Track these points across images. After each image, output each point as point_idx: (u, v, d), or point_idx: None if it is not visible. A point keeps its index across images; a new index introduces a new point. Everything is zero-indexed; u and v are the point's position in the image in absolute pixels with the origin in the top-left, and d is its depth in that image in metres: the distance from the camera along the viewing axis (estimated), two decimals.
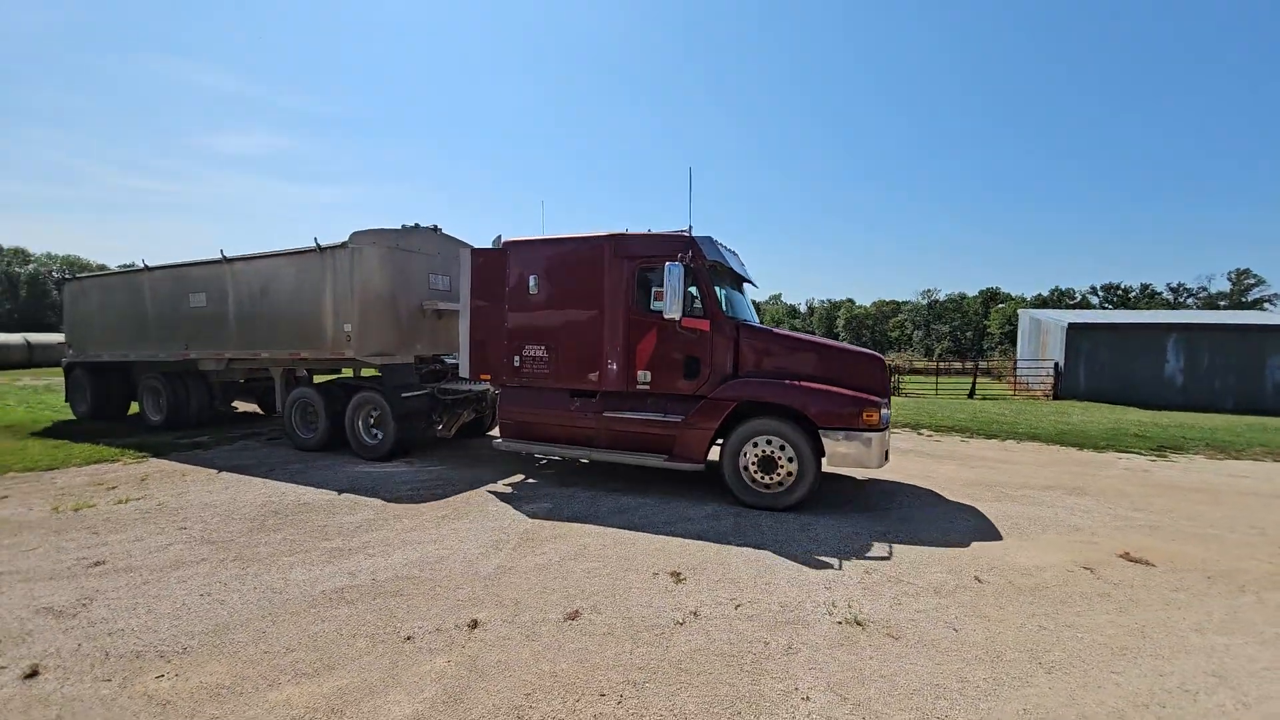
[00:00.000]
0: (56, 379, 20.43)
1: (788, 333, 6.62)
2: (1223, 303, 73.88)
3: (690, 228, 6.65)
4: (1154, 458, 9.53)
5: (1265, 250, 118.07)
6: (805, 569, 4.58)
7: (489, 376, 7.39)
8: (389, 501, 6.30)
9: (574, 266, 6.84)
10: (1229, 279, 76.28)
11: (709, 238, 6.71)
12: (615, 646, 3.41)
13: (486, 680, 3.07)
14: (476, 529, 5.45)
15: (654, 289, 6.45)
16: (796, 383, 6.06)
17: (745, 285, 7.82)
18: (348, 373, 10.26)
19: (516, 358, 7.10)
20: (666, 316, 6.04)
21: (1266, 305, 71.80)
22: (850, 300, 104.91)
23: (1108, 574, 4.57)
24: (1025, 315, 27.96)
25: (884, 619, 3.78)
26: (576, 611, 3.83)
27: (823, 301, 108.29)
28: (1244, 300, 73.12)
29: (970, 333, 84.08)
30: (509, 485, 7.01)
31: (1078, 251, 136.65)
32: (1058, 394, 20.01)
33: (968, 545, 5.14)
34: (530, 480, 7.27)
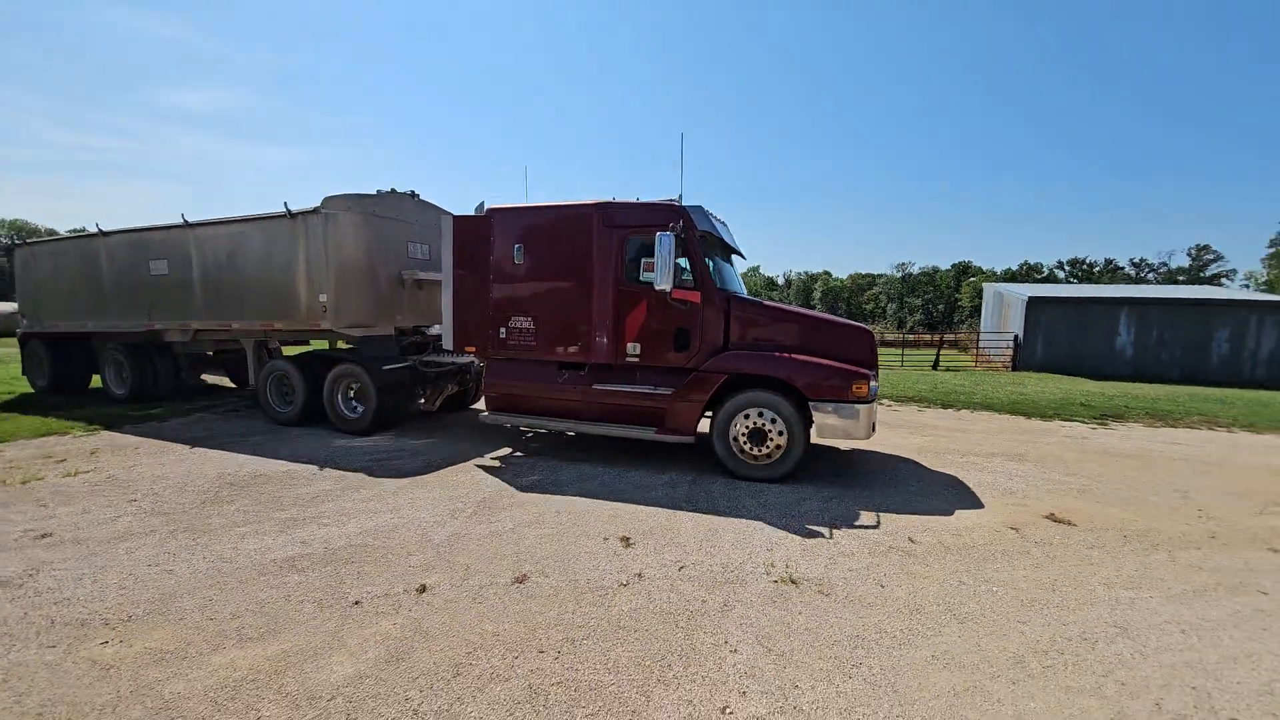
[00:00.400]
0: (6, 350, 19.65)
1: (778, 305, 6.62)
2: (1182, 278, 76.47)
3: (680, 197, 6.53)
4: (1095, 426, 10.01)
5: (1224, 227, 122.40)
6: (751, 533, 4.77)
7: (474, 349, 7.28)
8: (351, 472, 6.32)
9: (561, 235, 6.71)
10: (1189, 255, 78.89)
11: (700, 207, 6.62)
12: (558, 607, 3.55)
13: (430, 640, 3.18)
14: (434, 498, 5.52)
15: (644, 260, 6.37)
16: (786, 355, 6.11)
17: (734, 256, 7.74)
18: (319, 345, 10.04)
19: (502, 329, 7.00)
20: (657, 288, 6.00)
21: (1224, 280, 74.57)
22: (827, 273, 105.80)
23: (1031, 533, 4.86)
24: (990, 289, 28.68)
25: (818, 577, 3.99)
26: (524, 575, 3.95)
27: (800, 274, 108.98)
28: (1202, 275, 75.77)
29: (942, 306, 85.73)
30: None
31: (1047, 226, 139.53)
32: (1016, 365, 20.72)
33: (906, 508, 5.40)
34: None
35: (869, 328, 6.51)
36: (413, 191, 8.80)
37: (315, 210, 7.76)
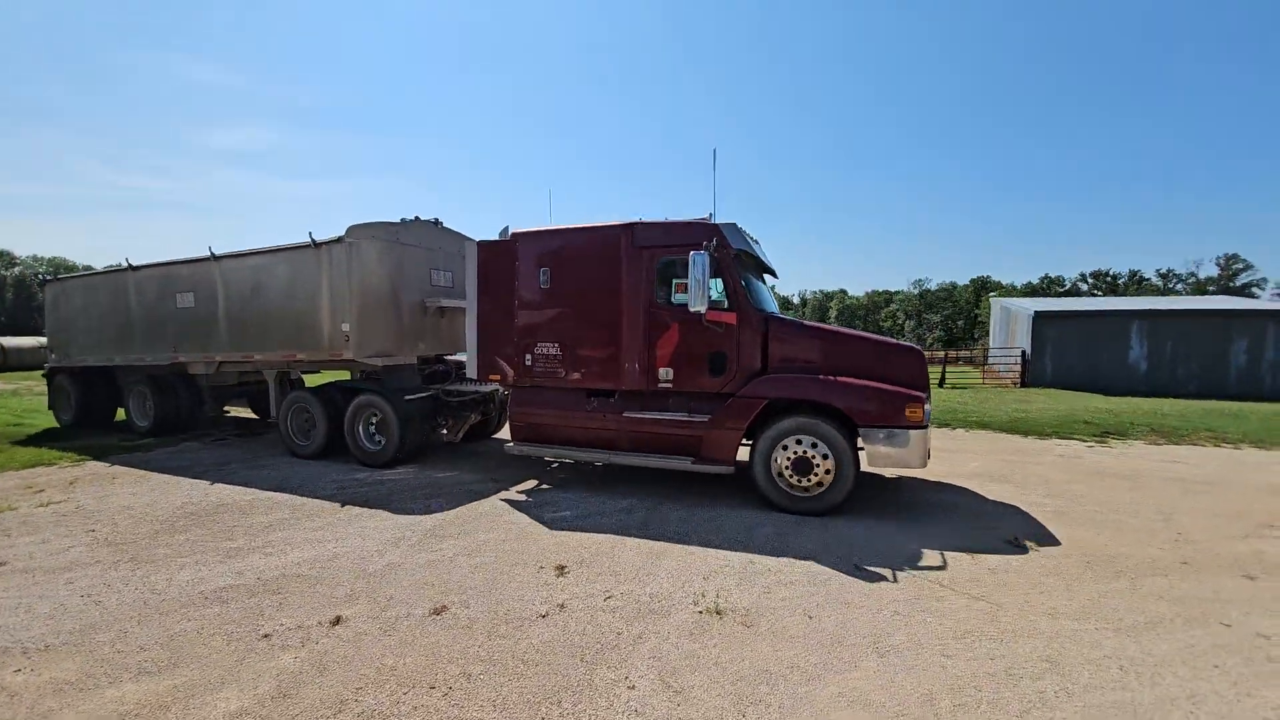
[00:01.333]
0: (26, 383, 20.43)
1: (819, 325, 6.40)
2: (1211, 288, 74.04)
3: (712, 214, 6.30)
4: (1092, 444, 9.63)
5: (1254, 236, 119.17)
6: (692, 561, 4.65)
7: (498, 377, 7.07)
8: (315, 499, 6.36)
9: (589, 258, 6.50)
10: (1217, 264, 76.53)
11: (734, 225, 6.35)
12: (467, 640, 3.48)
13: (325, 675, 3.14)
14: (383, 527, 5.51)
15: (675, 281, 6.18)
16: (831, 378, 5.73)
17: (765, 275, 7.44)
18: (337, 375, 9.84)
19: (528, 356, 6.79)
20: (691, 310, 5.72)
21: (1255, 290, 72.05)
22: (843, 291, 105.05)
23: (987, 560, 4.65)
24: (997, 304, 28.10)
25: (747, 607, 3.86)
26: (444, 606, 3.90)
27: (815, 292, 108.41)
28: (1232, 285, 73.28)
29: (962, 321, 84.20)
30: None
31: (1071, 239, 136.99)
32: (1025, 382, 20.14)
33: (862, 534, 5.22)
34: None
35: (918, 347, 6.15)
36: (436, 219, 8.86)
37: (339, 240, 7.71)
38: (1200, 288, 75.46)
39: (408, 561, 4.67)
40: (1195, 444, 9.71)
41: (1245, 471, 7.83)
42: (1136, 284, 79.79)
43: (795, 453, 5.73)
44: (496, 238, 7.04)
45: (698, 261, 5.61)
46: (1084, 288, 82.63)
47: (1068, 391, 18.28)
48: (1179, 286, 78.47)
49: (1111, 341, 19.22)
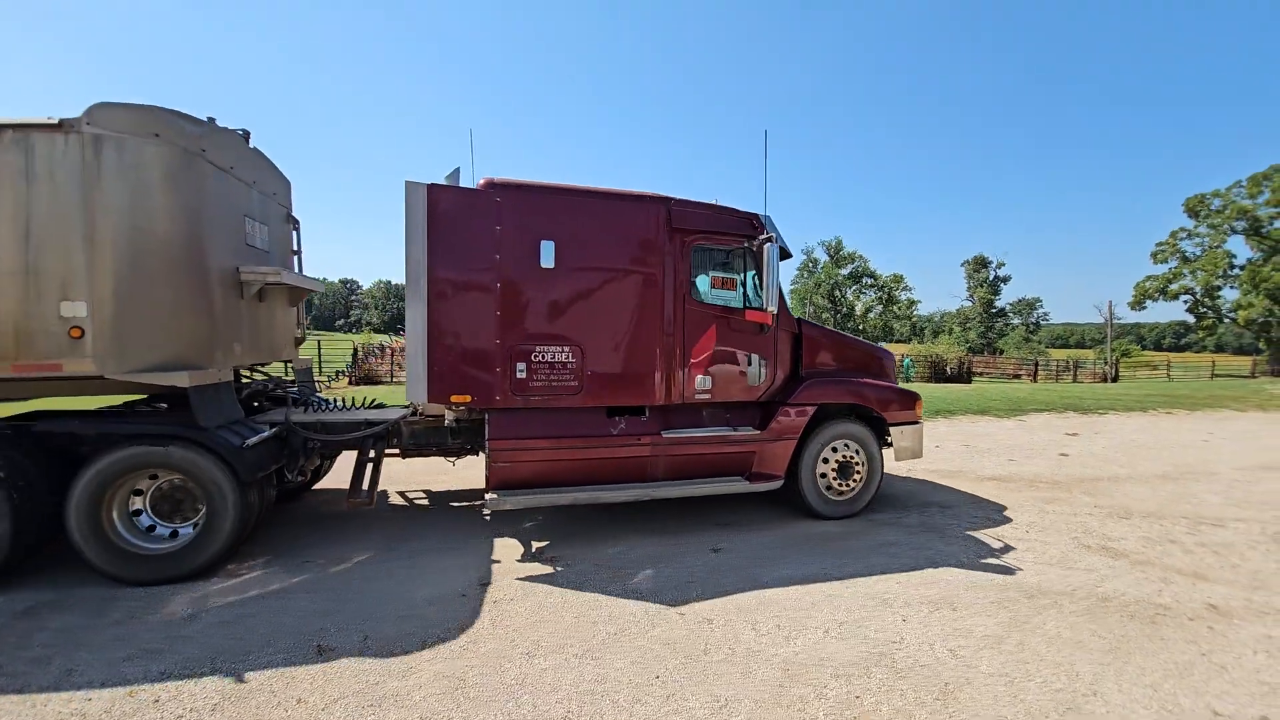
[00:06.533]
0: None
1: (829, 329, 6.58)
2: None
3: (717, 199, 5.81)
4: None
5: None
6: None
7: (467, 398, 4.86)
8: None
9: (614, 234, 5.21)
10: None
11: (769, 217, 5.88)
12: None
13: None
14: None
15: (713, 274, 5.65)
16: (863, 380, 6.03)
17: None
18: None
19: (520, 365, 4.93)
20: (767, 309, 5.31)
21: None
22: None
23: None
24: None
25: None
26: None
27: None
28: None
29: None
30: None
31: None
32: None
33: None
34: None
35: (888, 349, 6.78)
36: (245, 130, 5.17)
37: (60, 125, 3.80)
38: None
39: None
40: None
41: None
42: None
43: (841, 456, 5.86)
44: (447, 183, 4.85)
45: (773, 255, 5.27)
46: None
47: None
48: None
49: None
